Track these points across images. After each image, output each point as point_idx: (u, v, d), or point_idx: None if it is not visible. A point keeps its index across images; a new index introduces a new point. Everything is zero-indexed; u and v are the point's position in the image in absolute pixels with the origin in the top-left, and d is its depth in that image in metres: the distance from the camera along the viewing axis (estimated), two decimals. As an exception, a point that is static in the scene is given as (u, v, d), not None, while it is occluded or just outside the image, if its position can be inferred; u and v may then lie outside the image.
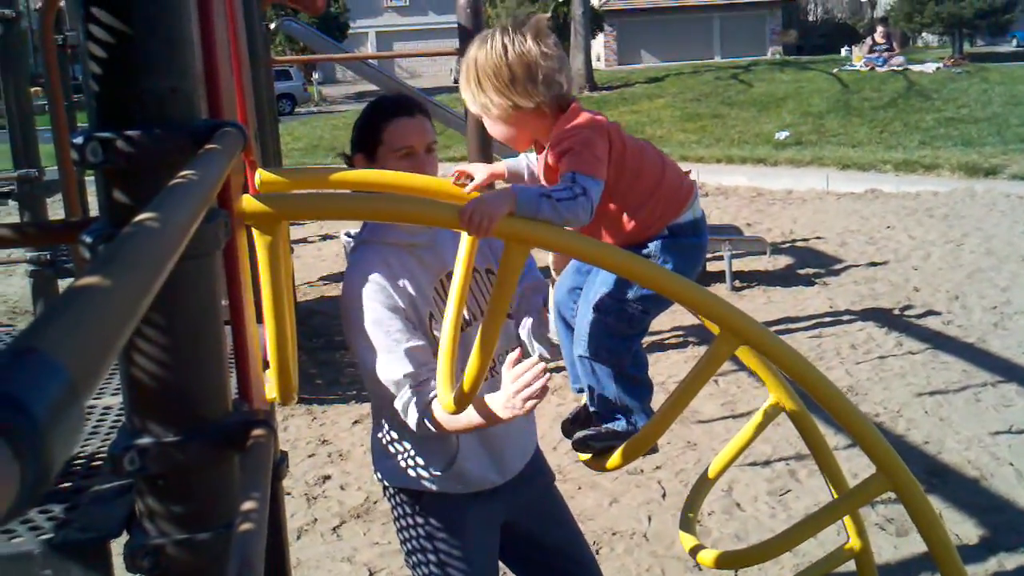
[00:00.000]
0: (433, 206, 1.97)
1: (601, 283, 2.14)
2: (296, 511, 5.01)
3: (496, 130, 2.13)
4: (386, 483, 2.81)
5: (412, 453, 2.71)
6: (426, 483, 2.71)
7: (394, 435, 2.73)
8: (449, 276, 2.41)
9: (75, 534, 1.44)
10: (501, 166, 2.31)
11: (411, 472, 2.72)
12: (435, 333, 2.55)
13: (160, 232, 0.67)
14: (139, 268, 0.56)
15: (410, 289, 2.57)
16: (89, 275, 0.51)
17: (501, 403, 2.34)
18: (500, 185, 2.22)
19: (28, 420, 0.35)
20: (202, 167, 1.05)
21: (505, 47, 2.02)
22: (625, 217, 2.11)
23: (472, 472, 2.71)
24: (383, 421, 2.75)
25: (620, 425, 2.25)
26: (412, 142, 2.58)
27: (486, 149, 7.01)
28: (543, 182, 2.16)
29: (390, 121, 2.60)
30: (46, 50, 3.65)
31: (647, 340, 7.44)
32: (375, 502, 5.06)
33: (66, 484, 1.65)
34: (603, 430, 2.25)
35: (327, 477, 5.46)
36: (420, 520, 2.76)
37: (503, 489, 2.79)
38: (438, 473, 2.68)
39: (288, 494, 5.15)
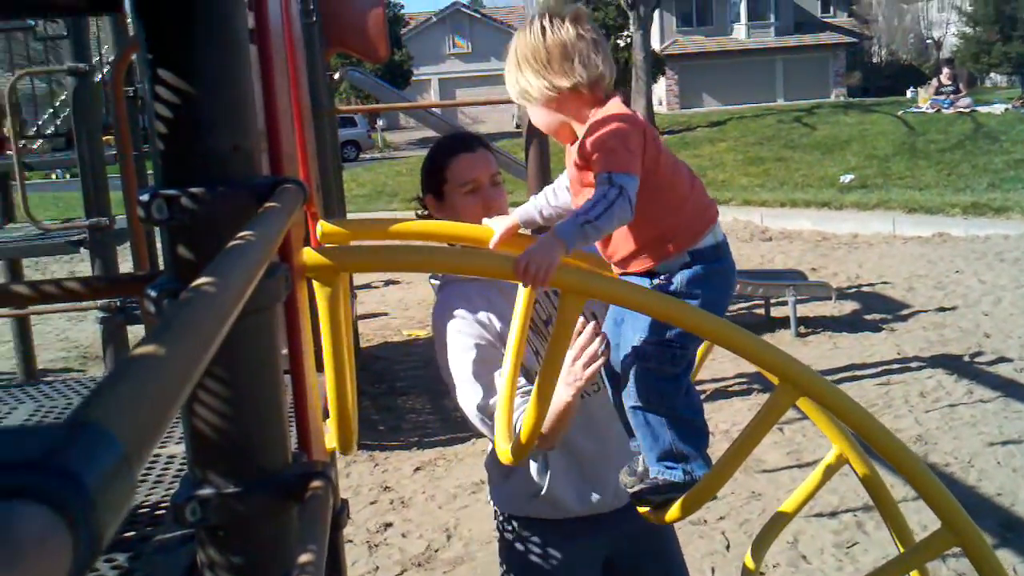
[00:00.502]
0: (488, 258, 1.99)
1: (638, 330, 2.11)
2: (358, 559, 5.02)
3: (538, 118, 2.14)
4: (496, 508, 2.90)
5: (508, 476, 2.79)
6: (523, 507, 2.78)
7: (495, 461, 2.80)
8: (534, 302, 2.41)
9: (137, 583, 1.46)
10: (514, 217, 2.30)
11: (510, 496, 2.81)
12: (525, 365, 2.58)
13: (216, 297, 0.69)
14: (194, 335, 0.58)
15: (495, 322, 2.61)
16: (146, 344, 0.53)
17: (562, 380, 2.24)
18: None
19: (80, 492, 0.36)
20: (261, 226, 1.07)
21: (543, 29, 2.04)
22: (645, 228, 2.07)
23: (564, 497, 2.73)
24: (491, 448, 2.81)
25: (677, 475, 2.22)
26: (475, 175, 2.65)
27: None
28: (567, 185, 2.19)
29: (452, 159, 2.67)
30: (117, 102, 3.76)
31: (710, 387, 7.39)
32: (436, 550, 5.05)
33: (130, 533, 1.68)
34: (660, 482, 2.22)
35: (389, 524, 5.47)
36: (520, 547, 2.82)
37: (607, 522, 2.80)
38: (533, 496, 2.73)
39: (349, 541, 5.17)
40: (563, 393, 2.30)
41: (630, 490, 2.27)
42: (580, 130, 2.07)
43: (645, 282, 2.10)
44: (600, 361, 2.25)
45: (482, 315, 2.62)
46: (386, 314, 10.98)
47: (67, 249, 6.14)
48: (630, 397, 2.14)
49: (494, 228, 2.23)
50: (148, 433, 0.45)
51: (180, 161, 1.38)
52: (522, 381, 2.50)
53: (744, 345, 1.92)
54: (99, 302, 6.07)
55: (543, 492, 2.73)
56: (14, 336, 7.45)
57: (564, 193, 2.29)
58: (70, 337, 10.45)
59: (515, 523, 2.84)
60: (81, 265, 13.19)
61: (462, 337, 2.59)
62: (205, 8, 1.33)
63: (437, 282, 2.80)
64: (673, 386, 2.15)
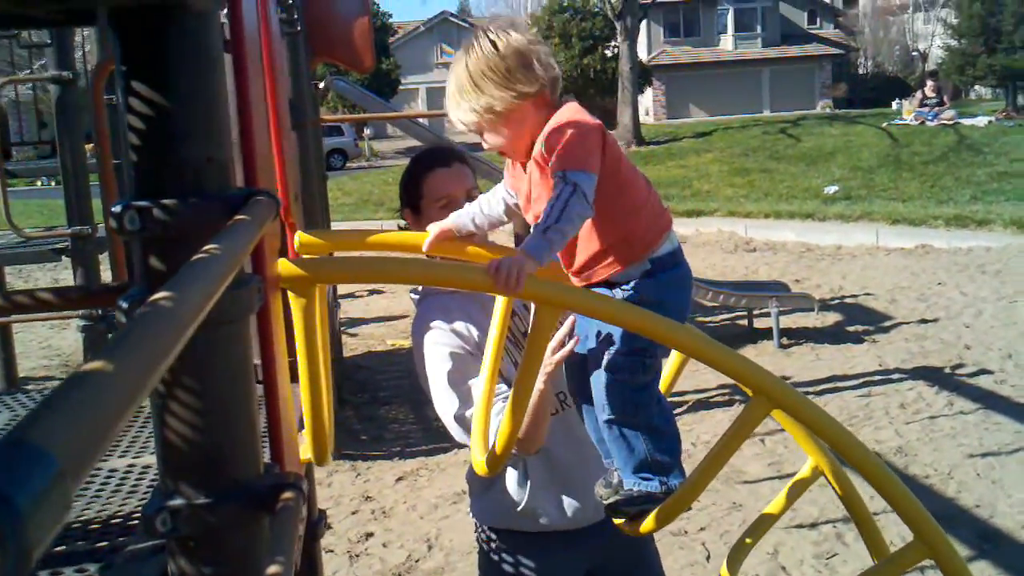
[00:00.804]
0: (463, 270, 2.00)
1: (606, 343, 2.11)
2: (338, 568, 5.01)
3: (496, 137, 2.09)
4: (475, 521, 2.90)
5: (488, 488, 2.80)
6: (503, 520, 2.79)
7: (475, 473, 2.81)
8: (512, 315, 2.41)
9: (107, 594, 1.46)
10: (448, 222, 2.30)
11: (490, 508, 2.82)
12: (504, 375, 2.61)
13: (172, 312, 0.70)
14: (144, 352, 0.59)
15: (473, 332, 2.63)
16: (93, 360, 0.54)
17: None
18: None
19: (10, 511, 0.37)
20: (227, 240, 1.08)
21: (493, 43, 2.02)
22: (608, 229, 2.06)
23: (545, 510, 2.74)
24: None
25: (654, 486, 2.22)
26: (450, 190, 2.66)
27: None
28: (503, 196, 2.20)
29: (428, 173, 2.69)
30: (96, 111, 3.75)
31: (692, 398, 7.41)
32: (417, 560, 5.05)
33: (103, 543, 1.68)
34: (636, 493, 2.22)
35: (370, 534, 5.46)
36: (499, 560, 2.82)
37: (586, 535, 2.79)
38: (513, 505, 2.74)
39: (330, 551, 5.16)
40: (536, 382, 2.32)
41: (605, 502, 2.27)
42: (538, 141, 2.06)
43: (609, 294, 2.10)
44: (570, 345, 2.25)
45: (460, 325, 2.63)
46: (368, 323, 10.97)
47: (49, 257, 6.13)
48: (604, 411, 2.14)
49: (429, 231, 2.23)
50: (87, 451, 0.45)
51: (153, 172, 1.39)
52: (503, 387, 2.51)
53: (718, 358, 1.94)
54: (81, 311, 6.05)
55: (523, 504, 2.73)
56: (-5, 344, 7.41)
57: (499, 205, 2.27)
58: (53, 345, 10.40)
59: (495, 536, 2.84)
60: (64, 273, 13.14)
61: (439, 348, 2.60)
62: (178, 21, 1.33)
63: (417, 296, 2.81)
64: (646, 395, 2.15)
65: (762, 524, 2.62)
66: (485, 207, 2.29)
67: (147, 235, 1.36)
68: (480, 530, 2.89)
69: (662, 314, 1.94)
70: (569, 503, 2.76)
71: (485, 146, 2.12)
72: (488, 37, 2.03)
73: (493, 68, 2.01)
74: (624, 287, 2.09)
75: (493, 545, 2.85)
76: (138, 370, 0.57)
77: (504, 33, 2.04)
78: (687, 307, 2.17)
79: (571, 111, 2.04)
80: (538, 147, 2.02)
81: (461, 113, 2.06)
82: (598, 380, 2.12)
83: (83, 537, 1.68)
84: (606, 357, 2.09)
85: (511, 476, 2.75)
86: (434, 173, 2.68)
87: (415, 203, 2.71)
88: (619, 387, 2.11)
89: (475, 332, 2.63)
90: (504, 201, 2.25)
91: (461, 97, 2.05)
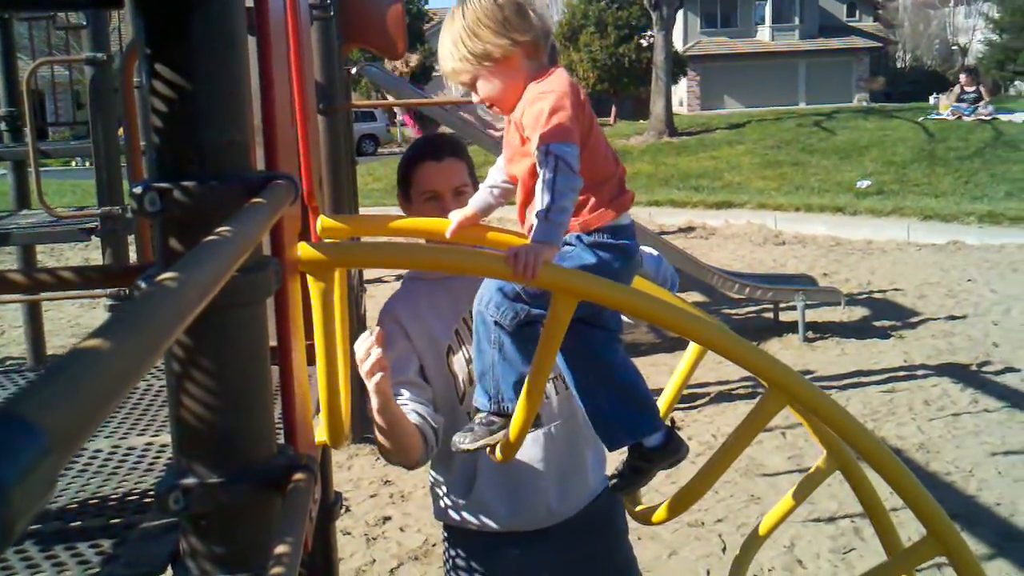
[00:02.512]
0: (481, 257, 2.00)
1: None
2: (355, 551, 5.05)
3: (490, 86, 2.08)
4: (437, 518, 2.89)
5: (439, 481, 2.80)
6: (454, 514, 2.77)
7: (431, 467, 2.83)
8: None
9: (120, 570, 1.48)
10: (472, 207, 2.29)
11: (442, 503, 2.80)
12: (453, 368, 2.64)
13: (176, 293, 0.71)
14: (143, 332, 0.60)
15: (429, 322, 2.65)
16: (92, 337, 0.55)
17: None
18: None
19: (-7, 482, 0.39)
20: (240, 223, 1.09)
21: None
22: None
23: (492, 504, 2.71)
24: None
25: (484, 403, 2.18)
26: (436, 187, 2.65)
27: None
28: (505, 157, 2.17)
29: (418, 165, 2.69)
30: (126, 93, 3.78)
31: (714, 390, 7.39)
32: (434, 544, 5.08)
33: (117, 520, 1.71)
34: (475, 424, 2.19)
35: (387, 518, 5.50)
36: (451, 554, 2.82)
37: (545, 539, 2.75)
38: (461, 502, 2.73)
39: (348, 533, 5.20)
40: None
41: (615, 490, 2.26)
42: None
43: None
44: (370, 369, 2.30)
45: (420, 315, 2.66)
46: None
47: (79, 236, 6.18)
48: (575, 380, 2.12)
49: (451, 219, 2.23)
50: (79, 427, 0.47)
51: (174, 154, 1.40)
52: (407, 393, 2.59)
53: (735, 350, 1.94)
54: (109, 290, 6.11)
55: (470, 497, 2.72)
56: (25, 322, 7.50)
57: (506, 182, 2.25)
58: (81, 323, 10.52)
59: (448, 534, 2.84)
60: (95, 252, 13.27)
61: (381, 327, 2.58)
62: (202, 4, 1.35)
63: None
64: (608, 356, 2.12)
65: (773, 518, 2.62)
66: (498, 175, 2.24)
67: (167, 216, 1.38)
68: (442, 527, 2.90)
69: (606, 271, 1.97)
70: (521, 503, 2.71)
71: (475, 98, 2.12)
72: None
73: (491, 16, 2.01)
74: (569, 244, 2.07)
75: (448, 543, 2.85)
76: (138, 349, 0.58)
77: None
78: (632, 277, 2.15)
79: (551, 81, 2.02)
80: (519, 111, 2.02)
81: (457, 63, 2.07)
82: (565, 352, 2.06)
83: (99, 514, 1.71)
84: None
85: (460, 472, 2.73)
86: (424, 166, 2.67)
87: (406, 191, 2.73)
88: (582, 350, 2.08)
89: (430, 319, 2.65)
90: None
91: (457, 48, 2.06)
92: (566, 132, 1.90)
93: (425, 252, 2.09)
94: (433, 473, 2.83)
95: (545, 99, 1.95)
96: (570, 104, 1.95)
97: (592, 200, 2.05)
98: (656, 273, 2.57)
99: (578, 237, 2.06)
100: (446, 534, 2.86)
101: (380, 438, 2.52)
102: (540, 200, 1.85)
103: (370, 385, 2.34)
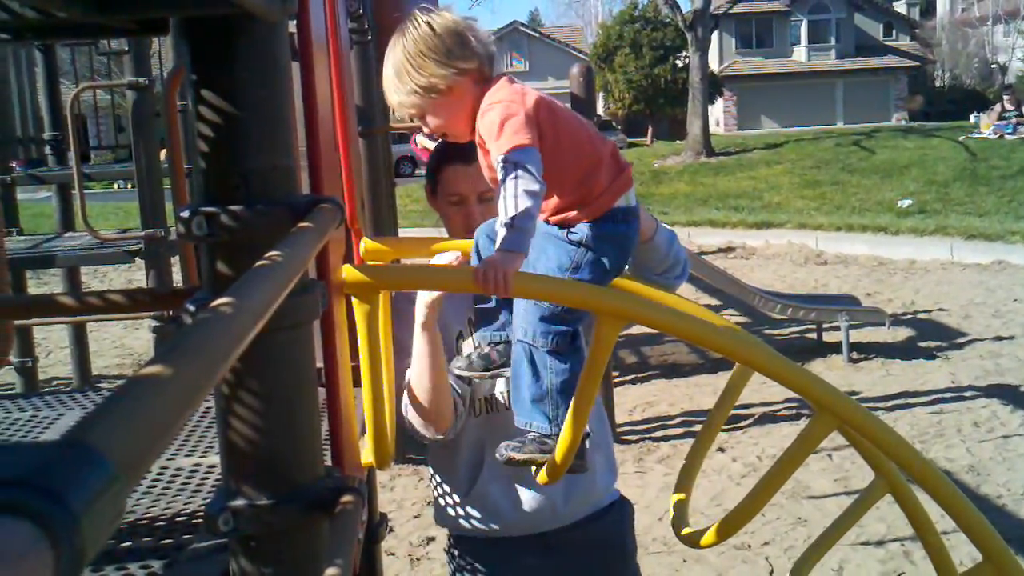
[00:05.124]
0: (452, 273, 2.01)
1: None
2: (399, 572, 5.05)
3: (438, 118, 2.05)
4: (438, 523, 2.86)
5: (442, 483, 2.77)
6: (457, 518, 2.72)
7: (432, 472, 2.81)
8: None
9: (169, 591, 1.49)
10: (458, 252, 2.26)
11: (444, 504, 2.75)
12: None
13: (232, 318, 0.71)
14: (202, 357, 0.60)
15: (443, 307, 2.50)
16: (152, 364, 0.55)
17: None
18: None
19: (64, 511, 0.38)
20: (290, 247, 1.09)
21: (429, 23, 1.99)
22: (563, 197, 2.01)
23: (496, 500, 2.66)
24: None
25: (544, 426, 2.09)
26: (461, 190, 2.60)
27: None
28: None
29: (446, 166, 2.64)
30: (169, 116, 3.83)
31: (759, 411, 7.32)
32: (476, 566, 5.06)
33: (167, 540, 1.71)
34: (527, 437, 2.10)
35: (431, 539, 5.49)
36: (453, 565, 2.79)
37: (555, 548, 2.71)
38: (464, 501, 2.69)
39: (391, 554, 5.19)
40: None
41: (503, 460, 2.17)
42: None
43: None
44: None
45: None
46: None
47: (123, 259, 6.26)
48: (523, 333, 2.06)
49: (444, 258, 2.22)
50: (142, 455, 0.47)
51: (220, 179, 1.41)
52: None
53: (783, 372, 1.91)
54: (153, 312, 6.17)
55: (473, 493, 2.67)
56: (71, 342, 7.59)
57: None
58: (125, 344, 10.63)
59: (454, 543, 2.80)
60: (138, 274, 13.42)
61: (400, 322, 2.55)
62: (247, 31, 1.35)
63: None
64: (570, 331, 2.05)
65: (826, 541, 2.58)
66: None
67: (214, 240, 1.39)
68: (447, 538, 2.86)
69: (595, 266, 1.97)
70: (525, 500, 2.66)
71: (426, 130, 2.09)
72: (422, 19, 2.00)
73: (432, 47, 1.98)
74: (572, 231, 2.03)
75: (451, 552, 2.81)
76: (196, 375, 0.58)
77: (436, 14, 2.01)
78: (621, 267, 2.11)
79: (496, 91, 1.99)
80: (477, 132, 2.00)
81: (402, 96, 2.03)
82: (525, 305, 2.05)
83: (149, 534, 1.72)
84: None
85: (464, 469, 2.69)
86: (452, 168, 2.62)
87: (433, 187, 2.70)
88: (544, 313, 2.02)
89: (444, 308, 2.51)
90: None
91: (400, 81, 2.02)
92: (520, 137, 1.87)
93: (460, 274, 2.06)
94: (436, 478, 2.81)
95: (493, 110, 1.93)
96: (520, 109, 1.91)
97: (583, 196, 2.01)
98: (667, 251, 2.47)
99: (587, 226, 2.01)
100: (450, 542, 2.83)
101: (420, 395, 2.45)
102: (503, 209, 1.81)
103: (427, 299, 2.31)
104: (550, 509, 2.68)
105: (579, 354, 2.05)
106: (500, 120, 1.90)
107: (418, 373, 2.45)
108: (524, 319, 2.03)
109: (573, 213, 2.01)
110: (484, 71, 2.04)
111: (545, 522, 2.70)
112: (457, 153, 2.62)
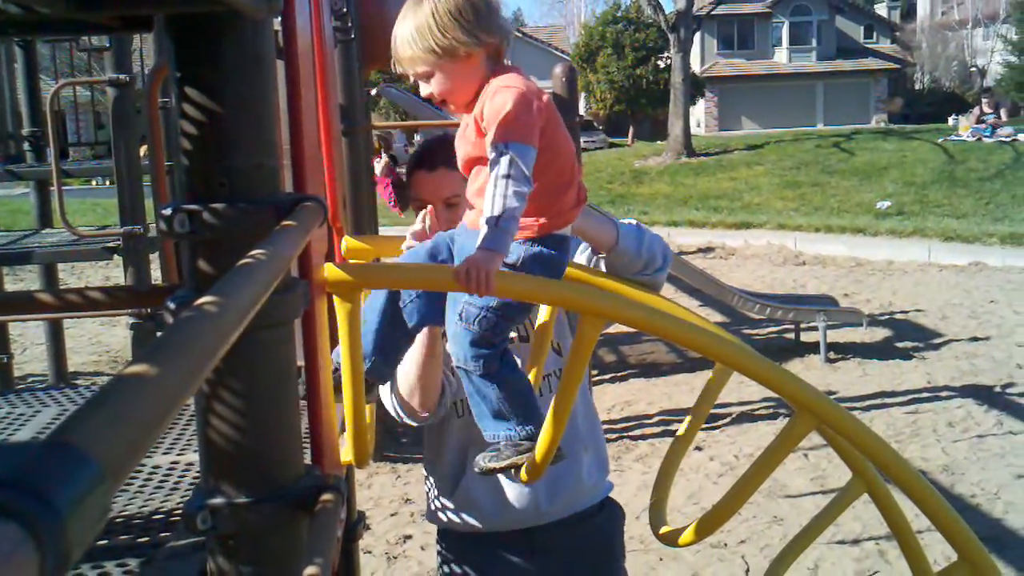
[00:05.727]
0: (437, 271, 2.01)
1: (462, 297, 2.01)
2: (376, 570, 5.04)
3: (445, 83, 2.02)
4: (428, 520, 2.90)
5: (430, 480, 2.80)
6: (443, 515, 2.75)
7: (424, 467, 2.84)
8: None
9: (147, 589, 1.48)
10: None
11: (432, 503, 2.79)
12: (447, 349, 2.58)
13: (216, 317, 0.71)
14: (186, 356, 0.60)
15: None
16: (136, 363, 0.55)
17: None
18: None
19: (50, 512, 0.38)
20: (273, 245, 1.09)
21: None
22: (535, 196, 1.93)
23: (480, 499, 2.68)
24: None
25: (512, 432, 2.07)
26: (425, 196, 2.61)
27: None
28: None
29: (413, 173, 2.67)
30: (151, 114, 3.81)
31: (736, 411, 7.35)
32: (455, 565, 5.06)
33: (144, 538, 1.70)
34: (501, 444, 2.08)
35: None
36: (440, 559, 2.83)
37: (542, 547, 2.72)
38: (449, 500, 2.72)
39: (368, 552, 5.19)
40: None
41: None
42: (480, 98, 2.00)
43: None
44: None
45: None
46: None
47: (101, 255, 6.22)
48: (454, 356, 2.04)
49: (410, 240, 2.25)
50: (128, 455, 0.46)
51: (204, 177, 1.41)
52: None
53: (763, 372, 1.92)
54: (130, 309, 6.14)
55: (457, 492, 2.69)
56: (47, 339, 7.54)
57: None
58: (102, 341, 10.57)
59: (441, 537, 2.84)
60: (116, 270, 13.34)
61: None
62: (232, 29, 1.35)
63: None
64: (497, 347, 2.02)
65: (803, 539, 2.60)
66: None
67: (196, 238, 1.38)
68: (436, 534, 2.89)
69: None
70: (509, 498, 2.67)
71: (425, 92, 2.05)
72: None
73: (462, 12, 1.95)
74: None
75: (440, 547, 2.85)
76: (181, 374, 0.58)
77: None
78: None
79: (512, 78, 1.97)
80: (479, 107, 1.96)
81: (417, 51, 2.00)
82: (455, 332, 2.02)
83: (126, 532, 1.71)
84: (464, 307, 1.99)
85: (449, 469, 2.72)
86: (417, 175, 2.65)
87: (408, 196, 2.74)
88: (474, 338, 2.00)
89: None
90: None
91: (421, 37, 1.99)
92: (526, 131, 1.85)
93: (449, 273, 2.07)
94: (425, 473, 2.84)
95: (509, 93, 1.90)
96: (533, 105, 1.90)
97: (552, 205, 1.98)
98: (638, 251, 2.42)
99: (522, 246, 1.97)
100: (438, 538, 2.87)
101: (411, 367, 2.44)
102: (490, 204, 1.79)
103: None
104: (534, 507, 2.69)
105: (510, 365, 2.03)
106: (511, 107, 1.87)
107: (412, 363, 2.45)
108: (457, 344, 2.00)
109: (530, 220, 1.96)
110: (501, 49, 2.02)
111: (530, 519, 2.71)
112: (423, 160, 2.65)
